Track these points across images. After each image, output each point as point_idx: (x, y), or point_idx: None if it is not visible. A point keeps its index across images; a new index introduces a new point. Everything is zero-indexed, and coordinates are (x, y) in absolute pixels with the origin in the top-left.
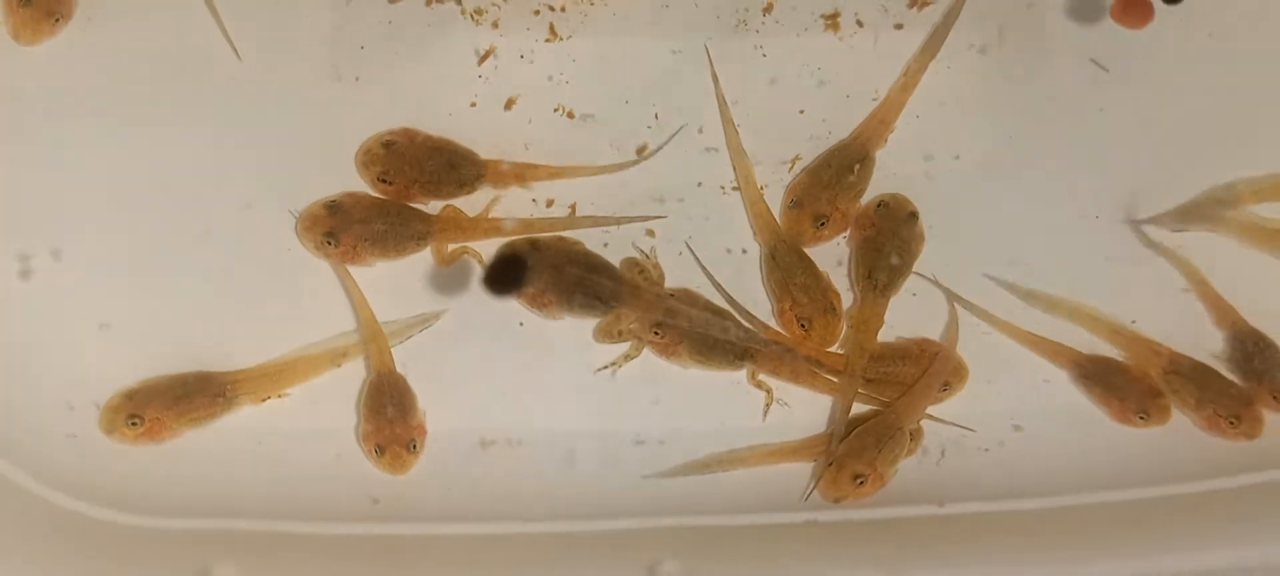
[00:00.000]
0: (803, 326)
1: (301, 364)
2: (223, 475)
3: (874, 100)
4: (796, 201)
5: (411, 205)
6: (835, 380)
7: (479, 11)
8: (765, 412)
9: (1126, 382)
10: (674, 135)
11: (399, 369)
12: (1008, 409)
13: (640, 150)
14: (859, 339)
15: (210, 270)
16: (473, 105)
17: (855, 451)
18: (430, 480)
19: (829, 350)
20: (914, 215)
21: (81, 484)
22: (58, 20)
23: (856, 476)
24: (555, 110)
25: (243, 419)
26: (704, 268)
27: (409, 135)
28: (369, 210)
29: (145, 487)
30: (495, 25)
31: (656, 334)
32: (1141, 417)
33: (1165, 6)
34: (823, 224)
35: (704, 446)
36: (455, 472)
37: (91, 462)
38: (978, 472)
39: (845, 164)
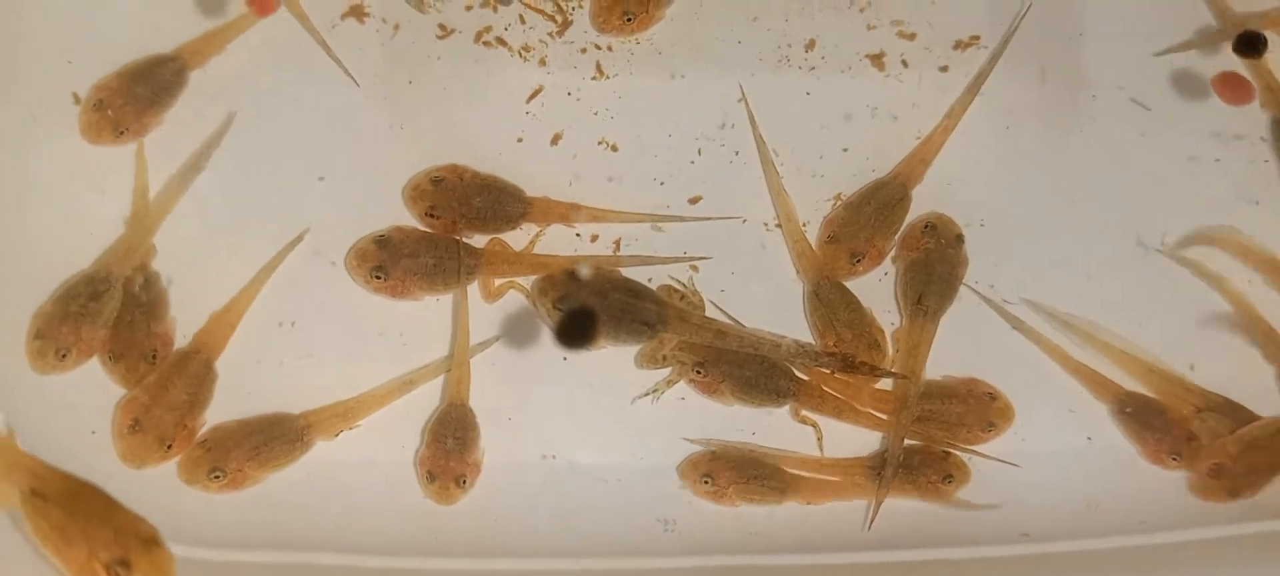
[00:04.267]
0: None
1: (371, 397)
2: (285, 507)
3: (916, 138)
4: (834, 236)
5: (459, 239)
6: (882, 416)
7: (526, 48)
8: (820, 447)
9: (1164, 423)
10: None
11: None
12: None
13: (693, 200)
14: (911, 365)
15: (263, 309)
16: (519, 141)
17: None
18: (485, 513)
19: (878, 388)
20: (960, 238)
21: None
22: (123, 133)
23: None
24: (599, 143)
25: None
26: (730, 316)
27: (457, 172)
28: (417, 244)
29: (209, 520)
30: (542, 62)
31: (698, 373)
32: (1174, 459)
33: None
34: (859, 260)
35: None
36: (510, 506)
37: (152, 496)
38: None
39: (884, 201)
